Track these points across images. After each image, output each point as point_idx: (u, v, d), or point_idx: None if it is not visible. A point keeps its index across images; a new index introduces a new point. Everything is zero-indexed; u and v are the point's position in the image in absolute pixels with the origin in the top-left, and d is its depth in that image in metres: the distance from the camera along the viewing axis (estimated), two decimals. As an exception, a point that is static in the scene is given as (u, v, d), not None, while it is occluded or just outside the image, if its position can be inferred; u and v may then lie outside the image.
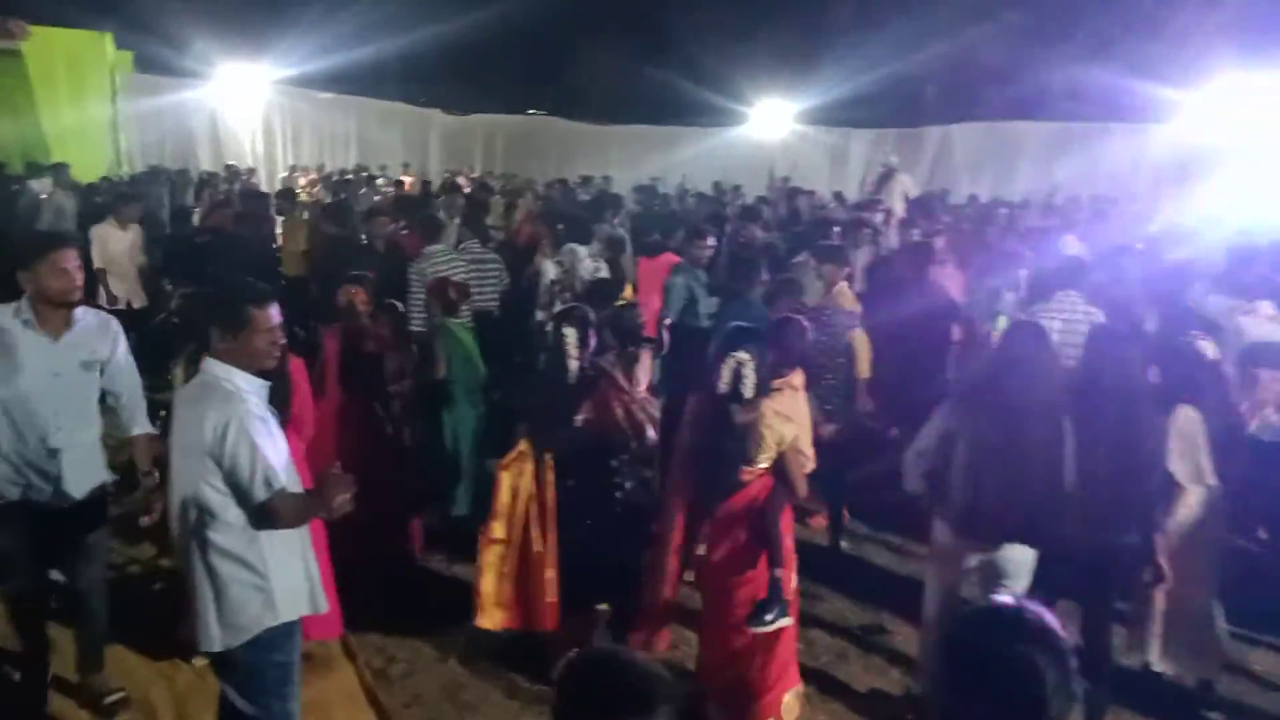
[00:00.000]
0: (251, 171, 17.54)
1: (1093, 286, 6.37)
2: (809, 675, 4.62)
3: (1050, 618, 1.75)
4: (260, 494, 3.05)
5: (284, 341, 3.35)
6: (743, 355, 3.89)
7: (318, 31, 21.11)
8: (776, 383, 4.18)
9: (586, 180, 17.42)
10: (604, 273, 7.41)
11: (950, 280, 7.38)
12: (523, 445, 4.53)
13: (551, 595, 4.52)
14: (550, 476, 4.50)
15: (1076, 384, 4.08)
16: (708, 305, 6.92)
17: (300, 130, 21.62)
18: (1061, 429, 3.82)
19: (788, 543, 4.05)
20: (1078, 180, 17.62)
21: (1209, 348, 4.73)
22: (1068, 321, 5.90)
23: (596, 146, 22.74)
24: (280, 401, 3.70)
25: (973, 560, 4.03)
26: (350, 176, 17.21)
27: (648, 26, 23.98)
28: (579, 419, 4.43)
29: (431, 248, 7.32)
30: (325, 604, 3.41)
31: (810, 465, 4.14)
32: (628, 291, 6.74)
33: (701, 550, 4.20)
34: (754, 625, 3.89)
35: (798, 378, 4.45)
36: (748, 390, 3.87)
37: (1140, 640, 4.65)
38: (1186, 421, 4.23)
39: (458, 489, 6.06)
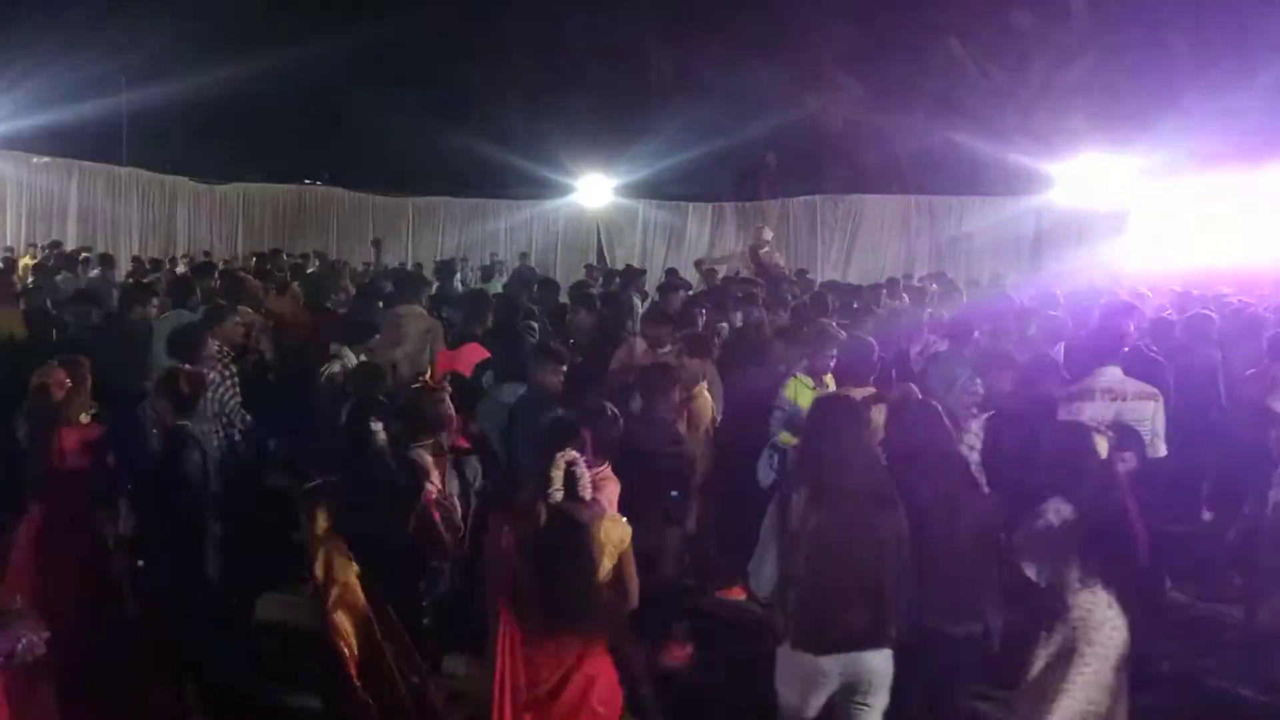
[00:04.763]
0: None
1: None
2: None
3: None
4: None
5: None
6: (572, 453, 3.90)
7: (30, 82, 20.09)
8: (594, 474, 4.21)
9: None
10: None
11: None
12: (322, 566, 4.52)
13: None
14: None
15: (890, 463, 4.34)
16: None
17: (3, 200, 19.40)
18: (899, 511, 3.99)
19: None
20: (935, 256, 18.64)
21: (1102, 443, 4.73)
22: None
23: (387, 220, 21.96)
24: None
25: (830, 675, 4.02)
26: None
27: (442, 85, 23.52)
28: (411, 523, 4.66)
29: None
30: None
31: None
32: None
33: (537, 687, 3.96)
34: None
35: (608, 469, 4.59)
36: (585, 491, 3.89)
37: None
38: (1055, 515, 4.31)
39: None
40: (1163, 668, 5.72)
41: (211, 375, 5.96)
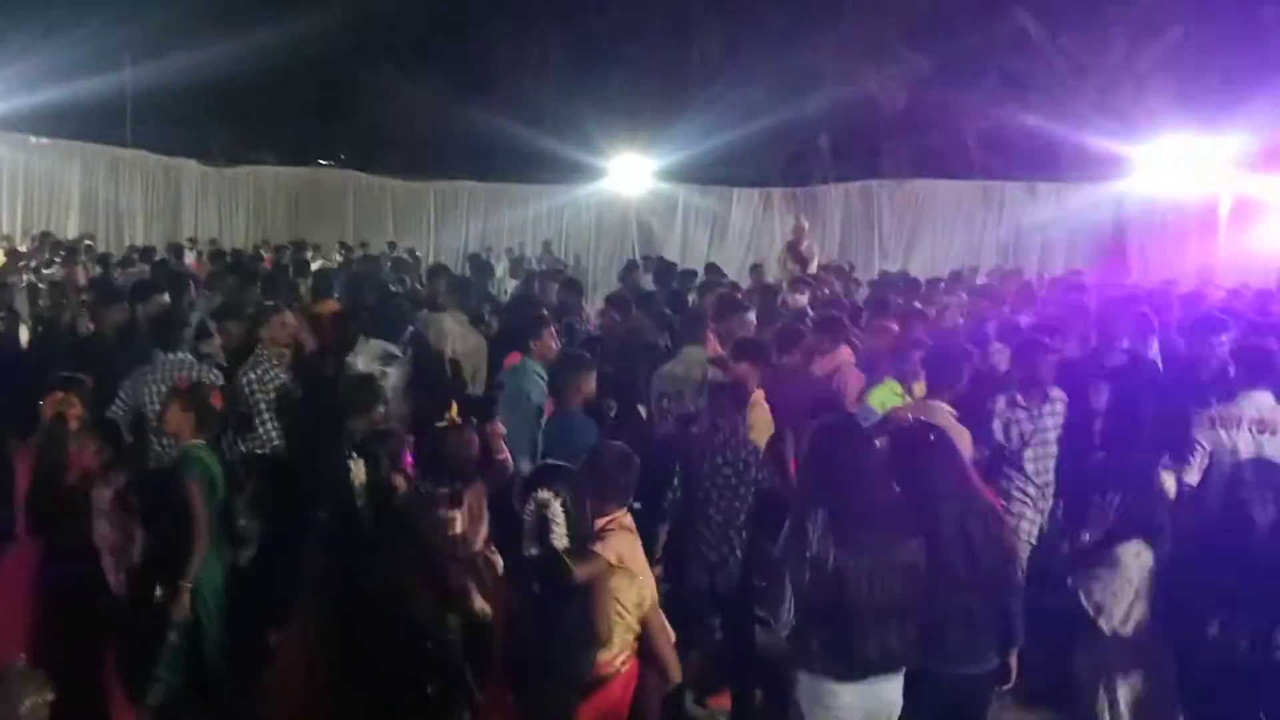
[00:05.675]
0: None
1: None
2: None
3: None
4: None
5: None
6: (544, 494, 3.59)
7: (29, 58, 19.57)
8: (600, 522, 4.00)
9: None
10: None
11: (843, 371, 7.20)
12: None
13: None
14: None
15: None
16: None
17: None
18: (918, 537, 4.02)
19: None
20: (1003, 248, 18.06)
21: (1169, 479, 4.98)
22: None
23: (409, 206, 21.65)
24: None
25: (851, 708, 3.94)
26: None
27: (466, 60, 23.14)
28: (387, 577, 4.27)
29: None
30: None
31: (671, 633, 3.98)
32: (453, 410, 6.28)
33: None
34: None
35: (626, 518, 4.29)
36: (558, 539, 3.53)
37: None
38: (1133, 559, 4.52)
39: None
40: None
41: (252, 376, 5.92)
